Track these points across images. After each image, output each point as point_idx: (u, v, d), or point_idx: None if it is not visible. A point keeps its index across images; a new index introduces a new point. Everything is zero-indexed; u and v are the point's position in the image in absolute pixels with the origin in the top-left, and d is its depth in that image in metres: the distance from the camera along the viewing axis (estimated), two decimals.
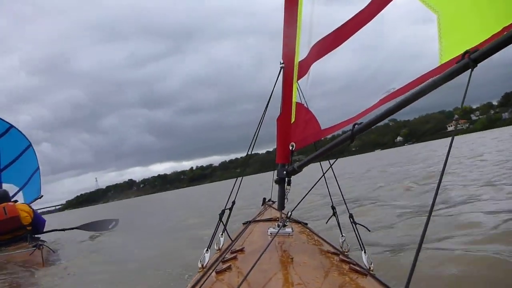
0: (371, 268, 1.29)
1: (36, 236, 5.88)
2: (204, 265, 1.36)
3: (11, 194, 7.33)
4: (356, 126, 1.21)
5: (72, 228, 7.25)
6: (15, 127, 8.53)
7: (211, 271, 1.12)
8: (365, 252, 1.38)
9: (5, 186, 7.97)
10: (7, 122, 8.34)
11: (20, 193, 8.48)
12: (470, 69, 0.74)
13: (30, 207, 5.98)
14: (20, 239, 5.44)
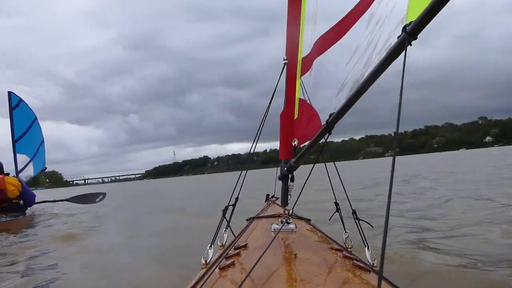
0: (375, 264, 1.29)
1: (23, 207, 6.30)
2: (208, 261, 1.37)
3: (23, 165, 8.51)
4: (330, 116, 1.23)
5: (62, 200, 7.69)
6: (23, 101, 9.01)
7: (214, 267, 1.13)
8: (368, 248, 1.38)
9: (18, 156, 8.59)
10: (17, 96, 8.88)
11: (31, 163, 9.02)
12: (407, 44, 0.73)
13: (20, 181, 6.29)
14: (10, 209, 5.83)
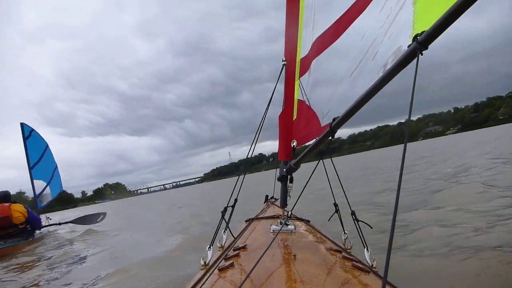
0: (374, 265, 1.29)
1: (31, 231, 6.79)
2: (207, 262, 1.37)
3: (41, 190, 9.66)
4: (334, 120, 1.23)
5: (67, 222, 8.29)
6: (35, 130, 9.79)
7: (213, 268, 1.13)
8: (367, 249, 1.38)
9: (36, 182, 9.52)
10: (29, 126, 9.62)
11: (48, 188, 9.97)
12: (418, 53, 0.74)
13: (26, 207, 6.74)
14: (18, 234, 6.42)
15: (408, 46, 0.78)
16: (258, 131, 2.01)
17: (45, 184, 9.94)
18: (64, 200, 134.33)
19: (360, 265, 1.11)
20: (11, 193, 6.94)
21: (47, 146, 10.20)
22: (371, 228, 1.64)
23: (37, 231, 7.16)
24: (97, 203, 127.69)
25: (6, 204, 6.45)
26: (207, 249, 1.45)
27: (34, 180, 9.53)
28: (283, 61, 1.97)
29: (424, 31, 0.73)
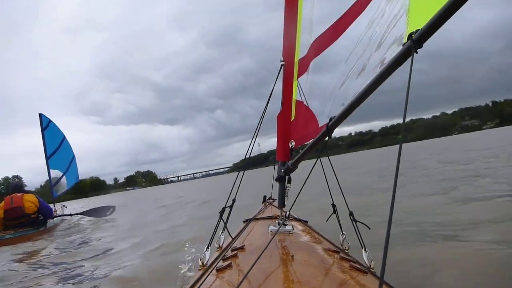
0: (372, 266, 1.29)
1: (43, 220, 6.97)
2: (205, 263, 1.36)
3: (57, 180, 10.09)
4: (331, 120, 1.23)
5: (77, 214, 8.51)
6: (52, 122, 10.17)
7: (211, 269, 1.12)
8: (365, 250, 1.39)
9: (52, 171, 10.01)
10: (47, 117, 9.99)
11: (64, 178, 10.40)
12: (413, 52, 0.74)
13: (37, 197, 6.94)
14: (30, 223, 6.64)
15: (403, 45, 0.78)
16: (256, 131, 2.01)
17: (61, 174, 10.33)
18: (97, 187, 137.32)
19: (358, 266, 1.11)
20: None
21: (64, 137, 10.56)
22: (369, 228, 1.64)
23: (50, 221, 7.34)
24: (128, 189, 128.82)
25: (19, 194, 6.67)
26: (205, 249, 1.44)
27: (51, 170, 9.93)
28: (281, 61, 1.97)
29: (418, 29, 0.73)
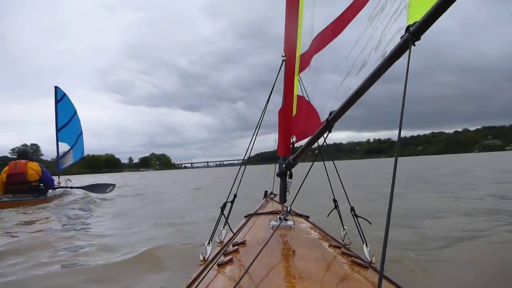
0: (373, 261, 1.29)
1: (44, 189, 7.18)
2: (206, 258, 1.37)
3: (64, 152, 10.40)
4: (331, 114, 1.23)
5: (78, 187, 8.73)
6: (66, 95, 10.44)
7: (212, 264, 1.13)
8: (366, 245, 1.39)
9: (60, 144, 10.32)
10: (62, 90, 10.27)
11: (71, 151, 10.69)
12: (410, 44, 0.73)
13: (41, 166, 7.15)
14: (30, 190, 6.85)
15: (401, 38, 0.78)
16: (258, 127, 2.00)
17: (69, 147, 10.64)
18: (111, 164, 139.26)
19: (359, 261, 1.11)
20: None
21: (76, 112, 10.84)
22: (370, 224, 1.64)
23: (50, 191, 7.51)
24: (142, 171, 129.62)
25: (23, 161, 6.93)
26: (206, 244, 1.45)
27: (59, 142, 10.24)
28: (282, 56, 1.97)
29: (416, 22, 0.73)
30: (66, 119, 10.49)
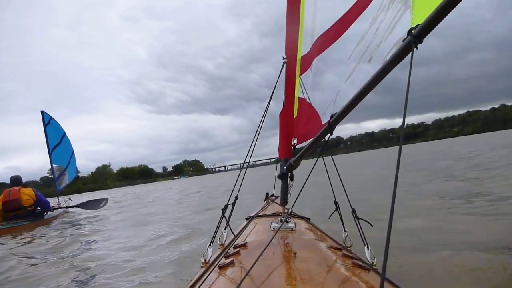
0: (374, 263, 1.29)
1: (40, 212, 7.38)
2: (207, 260, 1.37)
3: (59, 174, 10.68)
4: (332, 117, 1.23)
5: (73, 206, 8.89)
6: (53, 119, 10.74)
7: (214, 266, 1.13)
8: (368, 247, 1.38)
9: (54, 166, 10.53)
10: (48, 114, 10.53)
11: (65, 172, 11.01)
12: (413, 47, 0.74)
13: (34, 191, 7.29)
14: (26, 215, 6.99)
15: (403, 40, 0.78)
16: (259, 128, 2.00)
17: (63, 168, 10.94)
18: (145, 174, 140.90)
19: (361, 263, 1.11)
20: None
21: (65, 133, 11.17)
22: (372, 226, 1.64)
23: (49, 213, 7.70)
24: (175, 178, 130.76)
25: (17, 188, 7.09)
26: (208, 246, 1.45)
27: (53, 165, 10.48)
28: (283, 58, 1.97)
29: (418, 25, 0.73)
30: (57, 141, 10.81)
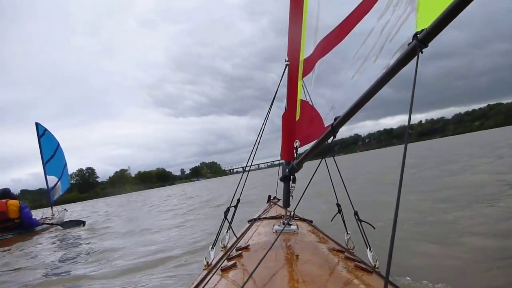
0: (377, 266, 1.29)
1: (25, 226, 7.43)
2: (210, 262, 1.37)
3: (53, 184, 10.77)
4: (336, 120, 1.22)
5: (56, 225, 8.84)
6: (48, 130, 10.84)
7: (216, 268, 1.13)
8: (370, 249, 1.38)
9: (49, 177, 10.59)
10: (43, 126, 10.66)
11: (59, 183, 11.10)
12: (418, 51, 0.73)
13: (20, 204, 7.40)
14: (14, 228, 7.18)
15: (408, 44, 0.78)
16: (261, 131, 2.00)
17: (57, 179, 11.01)
18: (163, 177, 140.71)
19: (363, 266, 1.10)
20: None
21: (59, 144, 11.22)
22: (374, 228, 1.63)
23: (48, 221, 7.96)
24: (193, 181, 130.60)
25: (3, 200, 7.22)
26: (210, 249, 1.45)
27: (47, 176, 10.53)
28: (286, 61, 1.97)
29: (423, 29, 0.73)
30: (51, 152, 10.89)
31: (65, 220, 9.44)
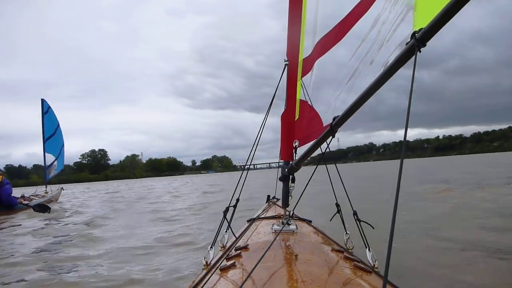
0: (376, 266, 1.29)
1: (3, 202, 7.81)
2: (209, 262, 1.37)
3: (50, 163, 11.04)
4: (334, 120, 1.23)
5: (27, 206, 8.86)
6: (51, 108, 11.07)
7: (215, 268, 1.13)
8: (369, 249, 1.38)
9: (47, 155, 10.90)
10: (47, 103, 10.89)
11: (55, 162, 11.31)
12: (416, 51, 0.73)
13: (3, 179, 7.65)
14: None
15: (406, 44, 0.78)
16: (260, 131, 2.01)
17: (54, 158, 11.24)
18: (173, 167, 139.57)
19: (362, 265, 1.10)
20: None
21: (59, 124, 11.46)
22: (373, 228, 1.63)
23: (24, 202, 8.27)
24: (203, 173, 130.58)
25: None
26: (209, 248, 1.45)
27: (46, 154, 10.79)
28: (285, 61, 1.97)
29: (421, 28, 0.73)
30: (52, 131, 11.09)
31: (59, 199, 9.77)
